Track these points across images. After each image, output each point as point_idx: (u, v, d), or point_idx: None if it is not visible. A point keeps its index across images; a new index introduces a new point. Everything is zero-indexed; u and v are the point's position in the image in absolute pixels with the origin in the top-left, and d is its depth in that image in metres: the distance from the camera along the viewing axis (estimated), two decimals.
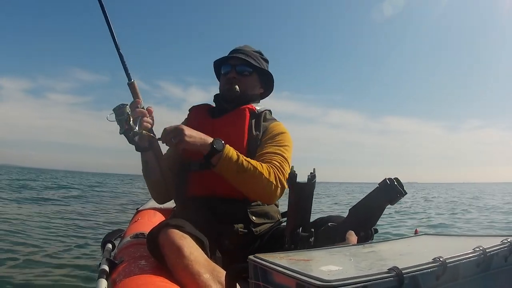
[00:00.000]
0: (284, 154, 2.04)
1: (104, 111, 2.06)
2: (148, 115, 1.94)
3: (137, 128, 1.86)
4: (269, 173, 1.90)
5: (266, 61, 2.35)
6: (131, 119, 1.84)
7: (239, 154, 1.89)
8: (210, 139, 1.85)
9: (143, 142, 1.94)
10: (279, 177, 1.92)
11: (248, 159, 1.91)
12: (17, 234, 5.75)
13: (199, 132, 1.87)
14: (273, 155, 2.01)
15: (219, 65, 2.33)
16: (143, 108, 1.94)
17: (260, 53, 2.33)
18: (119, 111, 1.82)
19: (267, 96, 2.45)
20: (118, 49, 2.00)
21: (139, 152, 2.00)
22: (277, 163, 1.96)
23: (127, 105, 1.85)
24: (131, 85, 2.01)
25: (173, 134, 1.81)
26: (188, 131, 1.82)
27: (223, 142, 1.86)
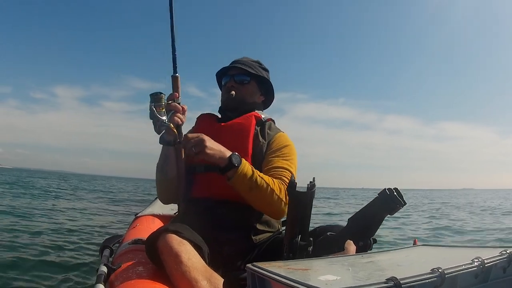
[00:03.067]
0: (291, 169, 2.07)
1: None
2: (181, 112, 1.95)
3: (166, 119, 1.87)
4: (280, 190, 1.92)
5: (266, 70, 2.38)
6: (164, 109, 1.86)
7: (254, 169, 1.90)
8: (228, 153, 1.86)
9: (169, 136, 1.96)
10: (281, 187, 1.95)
11: (262, 175, 1.93)
12: (19, 237, 5.74)
13: (219, 145, 1.87)
14: (283, 170, 2.04)
15: (221, 78, 2.39)
16: (179, 103, 1.96)
17: (259, 63, 2.37)
18: (155, 97, 1.85)
19: (270, 104, 2.49)
20: (173, 40, 2.00)
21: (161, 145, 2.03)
22: (286, 180, 1.98)
23: (164, 94, 1.88)
24: (174, 78, 2.01)
25: (194, 143, 1.82)
26: (209, 143, 1.83)
27: (240, 157, 1.88)
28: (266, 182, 1.89)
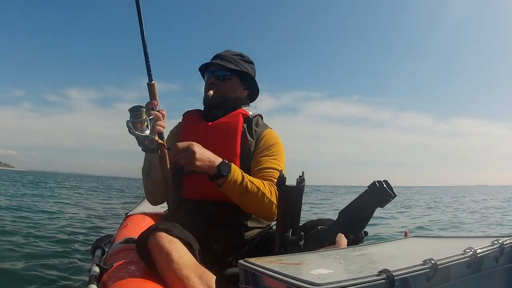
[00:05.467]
0: (280, 168, 2.07)
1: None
2: (162, 118, 1.93)
3: (148, 131, 1.84)
4: (271, 192, 1.93)
5: (249, 62, 2.34)
6: (145, 123, 1.82)
7: (244, 175, 1.90)
8: (217, 161, 1.85)
9: (152, 145, 1.93)
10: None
11: (252, 179, 1.93)
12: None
13: (209, 153, 1.86)
14: (272, 171, 2.04)
15: (204, 73, 2.37)
16: (158, 111, 1.93)
17: (241, 55, 2.33)
18: (136, 113, 1.80)
19: (256, 97, 2.45)
20: (144, 48, 1.97)
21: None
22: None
23: (143, 107, 1.82)
24: (151, 86, 1.99)
25: (184, 155, 1.81)
26: (199, 154, 1.81)
27: (229, 165, 1.87)
28: (256, 187, 1.90)
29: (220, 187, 1.88)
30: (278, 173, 1.98)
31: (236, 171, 1.88)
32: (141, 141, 1.85)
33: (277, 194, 1.83)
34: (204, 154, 1.83)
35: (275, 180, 1.94)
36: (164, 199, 2.15)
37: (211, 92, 2.19)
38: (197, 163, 1.80)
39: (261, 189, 1.90)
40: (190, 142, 1.83)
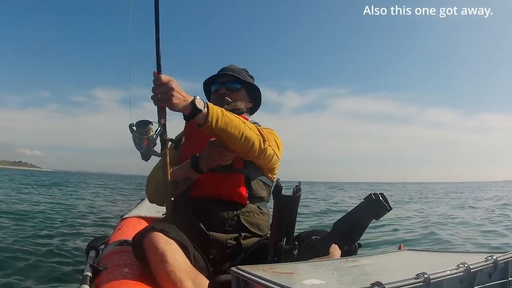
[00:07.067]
0: (272, 134, 2.10)
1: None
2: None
3: (156, 150, 1.79)
4: (250, 128, 1.89)
5: (252, 77, 2.42)
6: (152, 139, 1.74)
7: (222, 109, 1.83)
8: (190, 99, 1.72)
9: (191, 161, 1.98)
10: (260, 131, 1.94)
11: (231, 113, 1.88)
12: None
13: (183, 92, 1.73)
14: (262, 129, 2.03)
15: (209, 85, 2.39)
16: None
17: (246, 70, 2.41)
18: (144, 130, 1.72)
19: (256, 110, 2.50)
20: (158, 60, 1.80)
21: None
22: (262, 134, 1.96)
23: (152, 124, 1.74)
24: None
25: (161, 90, 1.67)
26: (176, 92, 1.68)
27: (206, 102, 1.77)
28: (237, 117, 1.85)
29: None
30: (271, 131, 1.98)
31: (214, 107, 1.79)
32: (147, 156, 1.79)
33: (264, 136, 1.91)
34: (181, 92, 1.71)
35: (261, 133, 1.95)
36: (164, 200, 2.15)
37: (228, 98, 2.23)
38: (174, 100, 1.67)
39: (241, 120, 1.86)
40: (171, 77, 1.71)
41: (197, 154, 1.99)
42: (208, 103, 1.78)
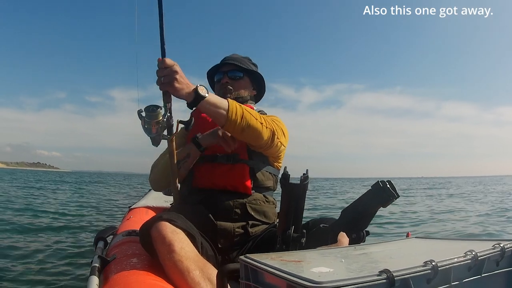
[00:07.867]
0: (277, 121, 2.11)
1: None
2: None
3: (166, 132, 1.80)
4: (257, 115, 1.90)
5: (255, 65, 2.43)
6: (161, 124, 1.73)
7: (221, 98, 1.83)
8: (193, 86, 1.72)
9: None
10: (266, 120, 1.94)
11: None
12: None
13: (186, 79, 1.71)
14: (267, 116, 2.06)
15: (212, 75, 2.42)
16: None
17: (249, 59, 2.42)
18: (152, 114, 1.70)
19: (261, 98, 2.52)
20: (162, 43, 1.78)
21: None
22: (266, 120, 1.97)
23: (161, 108, 1.73)
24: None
25: (165, 73, 1.66)
26: (179, 76, 1.67)
27: (206, 88, 1.76)
28: (239, 105, 1.85)
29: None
30: (275, 118, 1.99)
31: (213, 95, 1.80)
32: (156, 140, 1.79)
33: (271, 125, 1.92)
34: (184, 78, 1.70)
35: (266, 119, 1.97)
36: (167, 185, 2.20)
37: (231, 87, 2.26)
38: (176, 84, 1.66)
39: (253, 114, 1.87)
40: (175, 62, 1.69)
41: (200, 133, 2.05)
42: (229, 99, 1.81)
